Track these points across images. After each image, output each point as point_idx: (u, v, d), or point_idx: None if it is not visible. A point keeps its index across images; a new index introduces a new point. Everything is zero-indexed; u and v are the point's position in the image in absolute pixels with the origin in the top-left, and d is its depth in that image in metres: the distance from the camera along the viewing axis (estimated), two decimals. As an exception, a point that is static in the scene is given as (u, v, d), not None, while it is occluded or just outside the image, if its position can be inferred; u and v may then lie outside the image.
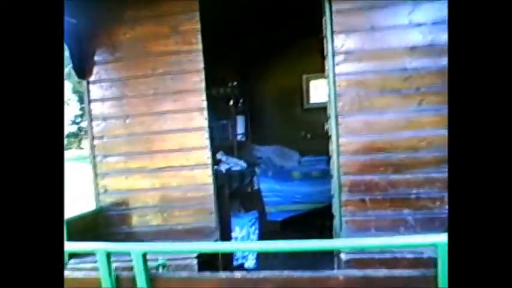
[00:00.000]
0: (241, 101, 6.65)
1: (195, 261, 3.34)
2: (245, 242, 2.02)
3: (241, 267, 4.89)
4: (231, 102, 6.12)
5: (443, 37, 3.40)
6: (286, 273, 2.30)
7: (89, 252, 2.87)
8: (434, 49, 3.43)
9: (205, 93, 3.82)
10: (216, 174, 4.09)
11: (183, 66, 3.81)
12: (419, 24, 3.44)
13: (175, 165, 3.87)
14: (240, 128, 6.22)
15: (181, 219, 3.87)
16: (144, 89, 3.89)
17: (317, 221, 6.52)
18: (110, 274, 2.35)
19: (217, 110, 6.14)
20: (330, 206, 6.45)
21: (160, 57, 3.85)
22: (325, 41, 3.66)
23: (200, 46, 3.78)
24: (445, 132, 3.38)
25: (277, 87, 7.64)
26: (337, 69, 3.59)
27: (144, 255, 2.30)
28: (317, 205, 6.35)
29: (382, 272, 2.22)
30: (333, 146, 3.68)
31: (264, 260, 5.06)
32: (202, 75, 3.81)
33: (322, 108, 7.82)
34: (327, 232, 5.99)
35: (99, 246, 2.31)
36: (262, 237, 5.47)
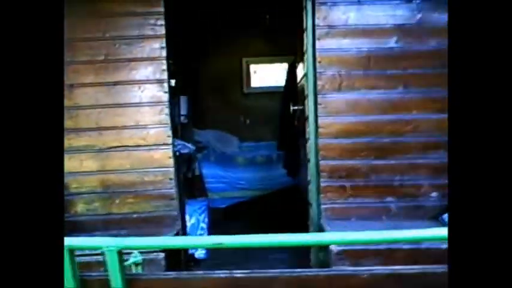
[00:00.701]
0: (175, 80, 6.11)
1: (161, 256, 2.84)
2: (226, 236, 1.67)
3: (192, 257, 4.41)
4: (173, 81, 5.58)
5: (433, 16, 3.12)
6: (299, 271, 1.90)
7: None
8: (423, 28, 3.15)
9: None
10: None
11: (142, 30, 3.26)
12: (409, 1, 3.14)
13: (129, 145, 3.30)
14: (183, 109, 5.70)
15: (136, 207, 3.32)
16: (93, 54, 3.28)
17: (263, 207, 6.22)
18: (73, 275, 1.83)
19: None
20: (274, 193, 6.20)
21: (113, 19, 3.26)
22: (304, 12, 3.26)
23: (162, 8, 3.24)
24: (432, 116, 3.16)
25: (217, 69, 7.16)
26: (318, 44, 3.21)
27: (119, 253, 1.81)
28: (262, 192, 6.03)
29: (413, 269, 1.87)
30: (310, 128, 3.30)
31: (215, 250, 4.60)
32: (163, 42, 3.28)
33: (262, 93, 7.57)
34: (274, 220, 5.72)
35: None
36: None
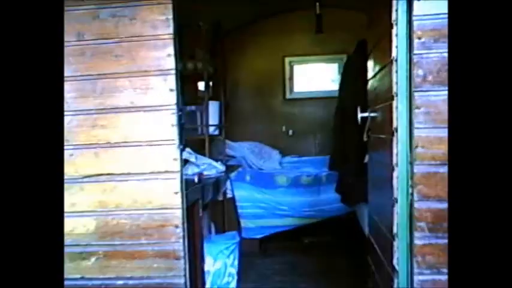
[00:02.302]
0: (211, 84, 4.84)
1: None
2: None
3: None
4: (202, 84, 4.29)
5: None
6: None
7: None
8: None
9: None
10: (186, 185, 2.30)
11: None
12: None
13: (113, 172, 2.04)
14: (213, 118, 4.44)
15: (123, 270, 2.05)
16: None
17: (310, 240, 4.89)
18: None
19: (182, 91, 4.33)
20: (324, 223, 4.84)
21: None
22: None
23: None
24: None
25: (254, 71, 5.86)
26: (417, 8, 1.86)
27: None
28: (309, 220, 4.70)
29: None
30: (399, 147, 1.94)
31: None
32: (170, 27, 2.02)
33: (308, 99, 6.22)
34: (324, 257, 4.38)
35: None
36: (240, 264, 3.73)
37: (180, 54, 4.16)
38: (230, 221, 4.65)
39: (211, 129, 4.36)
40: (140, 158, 2.02)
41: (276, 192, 4.69)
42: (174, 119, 2.00)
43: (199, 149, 4.11)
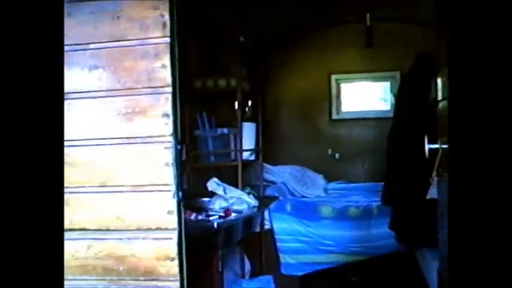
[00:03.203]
0: (250, 103, 4.20)
1: None
2: None
3: None
4: (237, 103, 3.64)
5: None
6: None
7: None
8: None
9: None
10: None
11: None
12: None
13: (91, 228, 1.42)
14: (249, 142, 3.79)
15: None
16: None
17: (358, 281, 4.11)
18: None
19: (212, 110, 3.71)
20: (375, 261, 4.05)
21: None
22: None
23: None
24: None
25: (297, 88, 5.17)
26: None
27: None
28: (356, 257, 3.93)
29: None
30: None
31: None
32: (167, 28, 1.39)
33: (356, 120, 5.46)
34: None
35: None
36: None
37: (213, 71, 3.61)
38: (268, 256, 3.97)
39: (246, 154, 3.72)
40: (122, 210, 1.39)
41: (320, 224, 3.97)
42: (169, 155, 1.36)
43: (232, 178, 3.47)
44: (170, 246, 1.36)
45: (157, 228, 1.37)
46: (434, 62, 2.68)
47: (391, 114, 4.46)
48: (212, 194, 2.93)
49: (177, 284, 1.36)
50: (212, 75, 3.51)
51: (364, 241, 3.88)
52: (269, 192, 4.29)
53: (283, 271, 4.00)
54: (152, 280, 1.37)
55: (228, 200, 2.86)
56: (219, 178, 3.07)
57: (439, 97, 2.08)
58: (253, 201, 2.91)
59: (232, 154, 3.59)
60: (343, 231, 3.92)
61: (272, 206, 3.96)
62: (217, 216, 2.56)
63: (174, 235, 1.36)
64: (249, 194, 3.04)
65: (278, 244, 3.99)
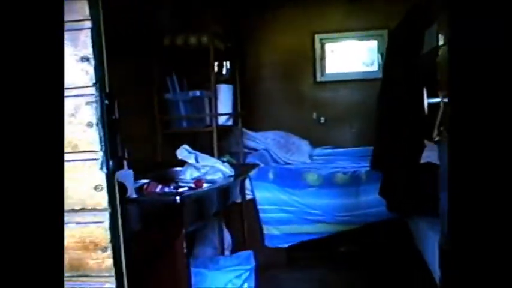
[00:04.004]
0: (227, 63, 3.82)
1: None
2: None
3: None
4: (214, 63, 3.24)
5: None
6: None
7: None
8: None
9: None
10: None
11: None
12: None
13: None
14: (225, 106, 3.43)
15: None
16: None
17: (347, 251, 3.85)
18: None
19: (184, 72, 3.33)
20: (364, 229, 3.71)
21: None
22: None
23: None
24: None
25: (279, 49, 4.77)
26: None
27: None
28: (345, 226, 3.65)
29: None
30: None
31: None
32: None
33: (342, 82, 5.06)
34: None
35: None
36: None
37: (185, 27, 3.21)
38: (251, 228, 3.66)
39: (223, 119, 3.36)
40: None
41: (305, 193, 3.65)
42: (92, 113, 1.00)
43: (209, 146, 3.13)
44: (100, 232, 1.02)
45: (83, 209, 1.03)
46: (426, 14, 2.34)
47: (379, 75, 4.12)
48: (183, 165, 2.60)
49: (112, 280, 1.03)
50: (183, 32, 3.11)
51: (352, 209, 3.58)
52: (250, 160, 3.96)
53: (267, 243, 3.71)
54: (79, 276, 1.04)
55: (200, 169, 2.53)
56: (194, 147, 2.73)
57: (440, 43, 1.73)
58: (228, 170, 2.58)
59: (208, 119, 3.23)
60: (330, 199, 3.62)
61: (253, 174, 3.64)
62: (186, 188, 2.22)
63: (105, 217, 1.02)
64: (224, 162, 2.70)
65: (261, 215, 3.68)
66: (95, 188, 1.02)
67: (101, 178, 1.02)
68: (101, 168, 1.01)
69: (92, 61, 0.99)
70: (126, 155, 1.84)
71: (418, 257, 2.60)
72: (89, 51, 0.99)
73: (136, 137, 2.76)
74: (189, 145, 2.67)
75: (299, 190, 3.66)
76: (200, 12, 3.44)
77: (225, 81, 3.58)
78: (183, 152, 2.57)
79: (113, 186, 1.05)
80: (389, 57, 2.98)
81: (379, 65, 4.58)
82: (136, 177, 2.09)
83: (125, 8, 2.70)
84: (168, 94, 3.16)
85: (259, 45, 4.70)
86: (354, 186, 3.61)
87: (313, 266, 3.65)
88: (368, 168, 3.51)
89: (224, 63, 3.73)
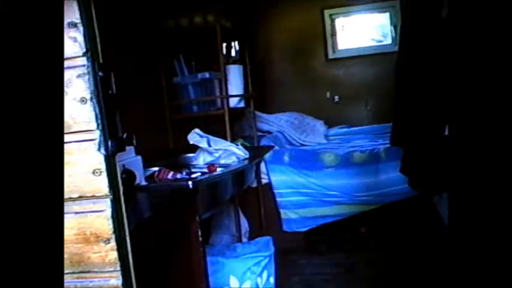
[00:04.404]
0: (235, 44, 3.66)
1: None
2: None
3: None
4: (221, 44, 3.08)
5: None
6: None
7: None
8: None
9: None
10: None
11: None
12: None
13: None
14: (236, 87, 3.28)
15: None
16: None
17: (369, 232, 3.72)
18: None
19: (191, 54, 3.19)
20: (386, 209, 3.54)
21: None
22: None
23: None
24: None
25: (288, 27, 4.63)
26: None
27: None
28: (365, 207, 3.52)
29: None
30: None
31: None
32: None
33: (355, 58, 4.85)
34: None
35: None
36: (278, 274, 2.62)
37: (188, 8, 3.06)
38: (268, 213, 3.55)
39: (234, 101, 3.22)
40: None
41: (322, 174, 3.52)
42: (84, 87, 0.87)
43: (221, 130, 3.00)
44: (102, 222, 0.90)
45: (81, 197, 0.90)
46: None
47: (393, 49, 3.95)
48: (195, 150, 2.48)
49: (118, 275, 0.91)
50: (186, 13, 2.96)
51: (372, 188, 3.44)
52: (265, 143, 3.82)
53: (285, 228, 3.59)
54: (81, 273, 0.92)
55: (213, 154, 2.40)
56: (206, 131, 2.60)
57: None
58: (243, 153, 2.44)
59: (218, 102, 3.09)
60: (349, 179, 3.48)
61: (269, 157, 3.51)
62: (199, 174, 2.10)
63: (107, 205, 0.90)
64: (238, 145, 2.56)
65: (278, 199, 3.56)
66: (93, 172, 0.89)
67: (99, 161, 0.89)
68: (99, 150, 0.88)
69: (81, 27, 0.86)
70: (134, 142, 1.72)
71: (446, 235, 2.46)
72: (76, 15, 0.85)
73: (145, 125, 2.64)
74: (201, 130, 2.54)
75: (316, 171, 3.52)
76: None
77: (234, 63, 3.43)
78: (195, 137, 2.44)
79: (114, 169, 0.92)
80: (405, 25, 2.80)
81: (392, 38, 4.40)
82: (147, 166, 1.97)
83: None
84: (176, 78, 3.02)
85: (267, 24, 4.55)
86: (373, 164, 3.46)
87: (333, 250, 3.52)
88: (387, 145, 3.37)
89: (232, 43, 3.58)
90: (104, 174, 0.89)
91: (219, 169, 2.18)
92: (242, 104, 3.30)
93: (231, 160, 2.40)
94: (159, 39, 2.95)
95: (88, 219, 0.90)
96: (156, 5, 3.00)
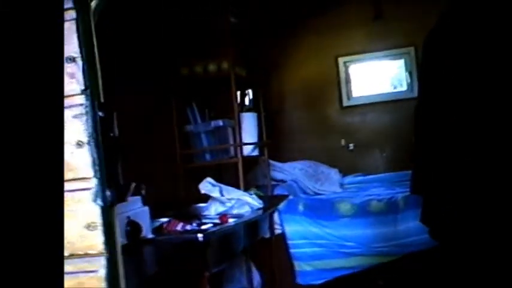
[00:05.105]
0: (249, 92, 3.60)
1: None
2: None
3: None
4: (235, 91, 2.99)
5: None
6: None
7: None
8: None
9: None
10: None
11: None
12: None
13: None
14: (250, 135, 3.18)
15: None
16: None
17: (384, 282, 3.48)
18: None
19: (204, 102, 3.12)
20: (406, 260, 3.32)
21: None
22: None
23: None
24: None
25: (302, 75, 4.59)
26: None
27: None
28: (383, 258, 3.29)
29: None
30: None
31: None
32: None
33: (370, 105, 4.77)
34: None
35: None
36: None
37: (202, 56, 3.02)
38: (281, 264, 3.36)
39: (248, 149, 3.11)
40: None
41: (338, 224, 3.34)
42: (82, 129, 0.77)
43: (234, 179, 2.88)
44: (93, 283, 0.77)
45: (72, 255, 0.78)
46: None
47: (408, 95, 3.84)
48: (207, 200, 2.35)
49: None
50: (200, 61, 2.91)
51: (391, 239, 3.24)
52: (279, 192, 3.68)
53: (299, 280, 3.38)
54: None
55: (225, 203, 2.27)
56: (219, 180, 2.48)
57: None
58: (256, 202, 2.31)
59: (232, 150, 2.99)
60: (366, 229, 3.30)
61: (282, 206, 3.36)
62: (210, 225, 1.96)
63: (101, 264, 0.77)
64: (251, 194, 2.44)
65: (292, 250, 3.38)
66: (88, 226, 0.77)
67: (95, 213, 0.77)
68: (95, 201, 0.77)
69: (80, 61, 0.76)
70: (143, 192, 1.60)
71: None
72: (74, 48, 0.76)
73: (156, 174, 2.54)
74: (214, 179, 2.42)
75: (331, 221, 3.35)
76: (219, 41, 3.26)
77: (248, 111, 3.36)
78: (207, 186, 2.32)
79: (112, 223, 0.80)
80: (427, 64, 2.71)
81: (407, 85, 4.32)
82: (156, 216, 1.85)
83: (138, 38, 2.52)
84: (188, 126, 2.94)
85: (281, 72, 4.52)
86: (391, 213, 3.28)
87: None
88: (405, 194, 3.21)
89: (246, 91, 3.52)
90: (100, 229, 0.77)
91: (231, 220, 2.05)
92: (256, 152, 3.20)
93: (244, 210, 2.28)
94: (172, 86, 2.89)
95: (80, 280, 0.77)
96: (170, 51, 2.96)
